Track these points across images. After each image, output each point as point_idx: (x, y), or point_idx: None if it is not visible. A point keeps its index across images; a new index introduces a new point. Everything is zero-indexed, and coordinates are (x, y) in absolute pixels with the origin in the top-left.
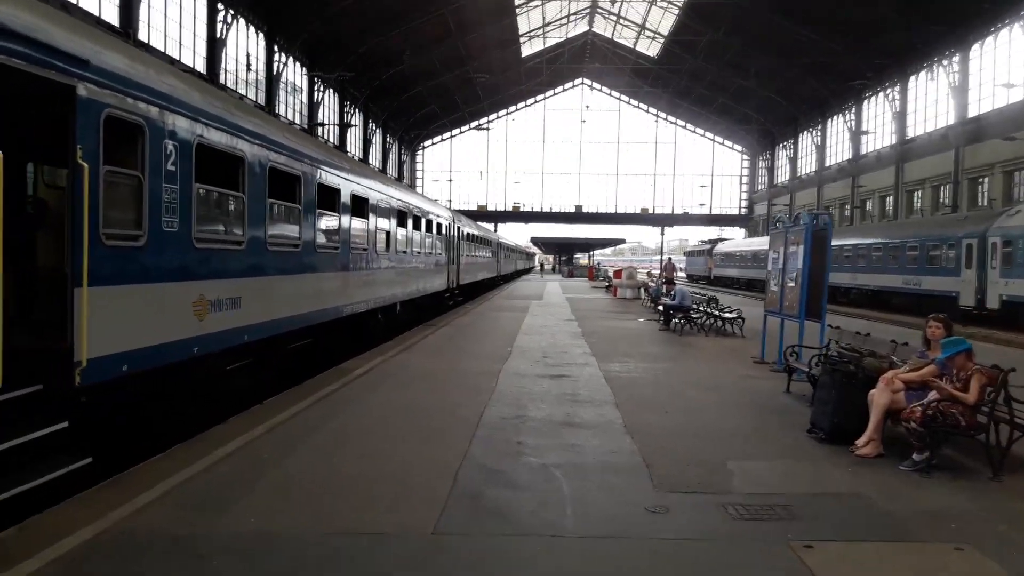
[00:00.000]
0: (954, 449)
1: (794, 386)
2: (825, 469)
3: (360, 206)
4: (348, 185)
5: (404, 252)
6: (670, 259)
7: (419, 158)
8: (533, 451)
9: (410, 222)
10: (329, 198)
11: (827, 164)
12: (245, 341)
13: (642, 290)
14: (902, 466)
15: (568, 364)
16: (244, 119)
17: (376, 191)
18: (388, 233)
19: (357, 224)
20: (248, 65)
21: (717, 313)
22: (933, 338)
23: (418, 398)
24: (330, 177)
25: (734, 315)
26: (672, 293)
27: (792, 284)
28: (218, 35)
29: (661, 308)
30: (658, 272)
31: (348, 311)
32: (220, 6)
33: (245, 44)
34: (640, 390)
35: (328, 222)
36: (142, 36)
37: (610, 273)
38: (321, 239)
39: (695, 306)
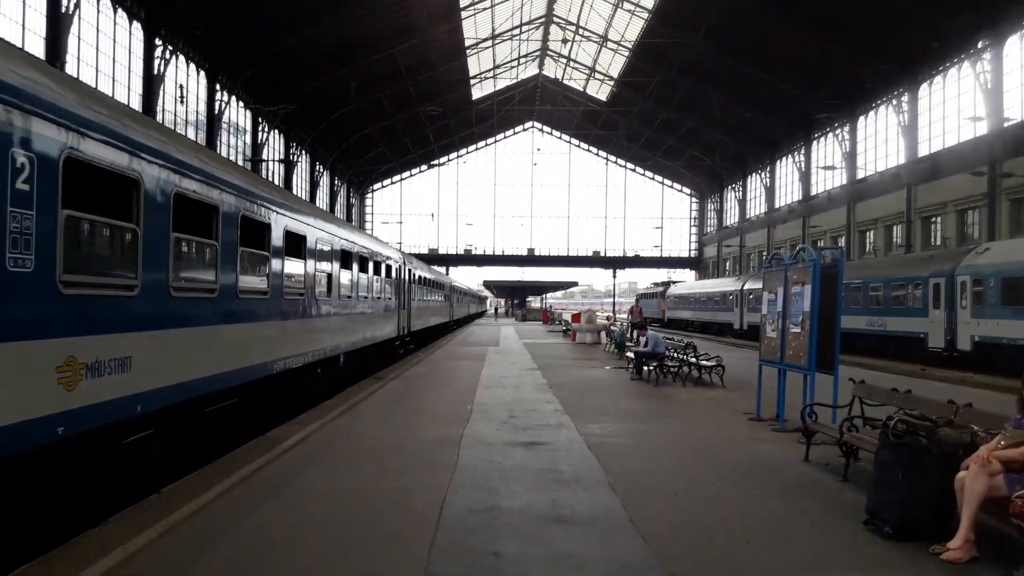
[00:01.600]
0: None
1: (813, 451)
2: None
3: (296, 245)
4: (281, 220)
5: (349, 297)
6: (638, 302)
7: (368, 201)
8: (515, 568)
9: (356, 264)
10: (257, 234)
11: (777, 205)
12: (138, 412)
13: (603, 334)
14: None
15: (540, 426)
16: (138, 131)
17: (316, 228)
18: (330, 276)
19: (292, 266)
20: (182, 98)
21: (695, 361)
22: None
23: (361, 481)
24: (258, 209)
25: (713, 363)
26: (644, 339)
27: (796, 330)
28: (156, 71)
29: (631, 355)
30: (624, 315)
31: (280, 367)
32: (158, 41)
33: (185, 81)
34: (633, 463)
35: (255, 263)
36: (70, 70)
37: (567, 317)
38: (245, 283)
39: (670, 353)
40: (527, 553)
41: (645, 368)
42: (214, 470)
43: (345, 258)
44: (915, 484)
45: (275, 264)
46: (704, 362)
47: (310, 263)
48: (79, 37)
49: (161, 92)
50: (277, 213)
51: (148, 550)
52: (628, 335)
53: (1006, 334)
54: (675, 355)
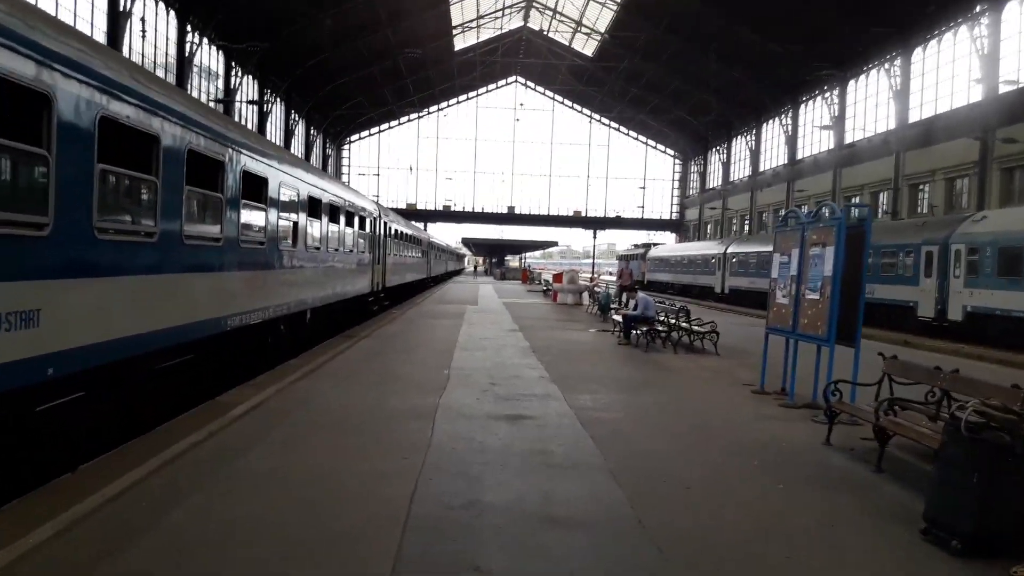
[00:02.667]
0: None
1: (836, 433)
2: None
3: (256, 188)
4: (239, 158)
5: (317, 248)
6: (627, 263)
7: (345, 153)
8: None
9: (326, 214)
10: (208, 174)
11: (762, 169)
12: (50, 376)
13: (585, 296)
14: None
15: (525, 396)
16: (51, 36)
17: (280, 171)
18: (296, 225)
19: (251, 211)
20: (143, 31)
21: (688, 327)
22: None
23: (315, 463)
24: (209, 145)
25: (707, 329)
26: (633, 302)
27: (814, 296)
28: (121, 7)
29: (618, 319)
30: (608, 276)
31: (235, 323)
32: None
33: (154, 21)
34: (634, 443)
35: (206, 206)
36: None
37: (547, 277)
38: (193, 228)
39: (660, 317)
40: (517, 569)
41: (634, 332)
42: (146, 443)
43: (314, 207)
44: (994, 490)
45: (230, 208)
46: (697, 328)
47: (272, 210)
48: None
49: (128, 29)
50: (234, 150)
51: (26, 560)
52: (617, 298)
53: (1000, 305)
54: (666, 319)
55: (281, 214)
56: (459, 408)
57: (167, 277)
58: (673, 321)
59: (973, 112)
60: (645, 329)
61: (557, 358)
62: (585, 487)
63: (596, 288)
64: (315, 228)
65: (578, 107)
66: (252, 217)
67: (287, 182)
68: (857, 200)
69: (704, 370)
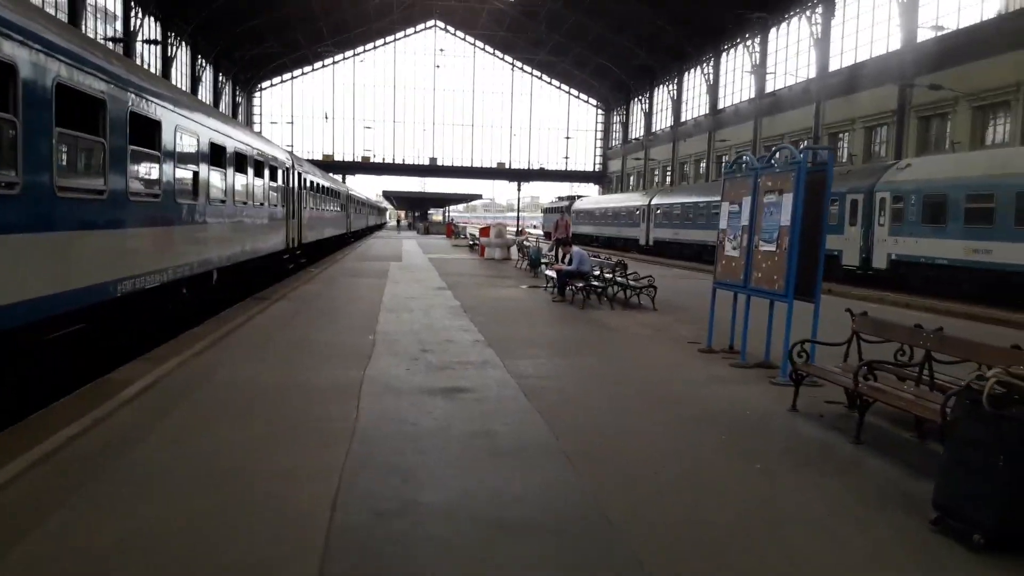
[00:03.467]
0: None
1: (800, 397)
2: None
3: (147, 133)
4: (122, 96)
5: (222, 202)
6: (564, 215)
7: (256, 101)
8: None
9: (232, 164)
10: (86, 114)
11: (683, 119)
12: None
13: (513, 250)
14: None
15: (461, 364)
16: None
17: (176, 113)
18: (196, 175)
19: (141, 159)
20: None
21: (624, 282)
22: None
23: (215, 458)
24: (85, 79)
25: (644, 284)
26: (567, 257)
27: (769, 248)
28: None
29: (551, 274)
30: (535, 230)
31: (127, 288)
32: None
33: None
34: (585, 418)
35: (81, 152)
36: None
37: (473, 231)
38: (68, 180)
39: (596, 272)
40: None
41: (568, 288)
42: (13, 437)
43: (218, 155)
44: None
45: (114, 156)
46: (633, 283)
47: (168, 159)
48: None
49: None
50: (117, 87)
51: None
52: (552, 252)
53: (925, 252)
54: (601, 274)
55: (178, 164)
56: (387, 381)
57: (37, 237)
58: (609, 276)
59: (892, 60)
60: (581, 285)
61: (490, 318)
62: (538, 477)
63: (525, 243)
64: (219, 179)
65: (500, 54)
66: (143, 167)
67: (185, 127)
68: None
69: (644, 327)
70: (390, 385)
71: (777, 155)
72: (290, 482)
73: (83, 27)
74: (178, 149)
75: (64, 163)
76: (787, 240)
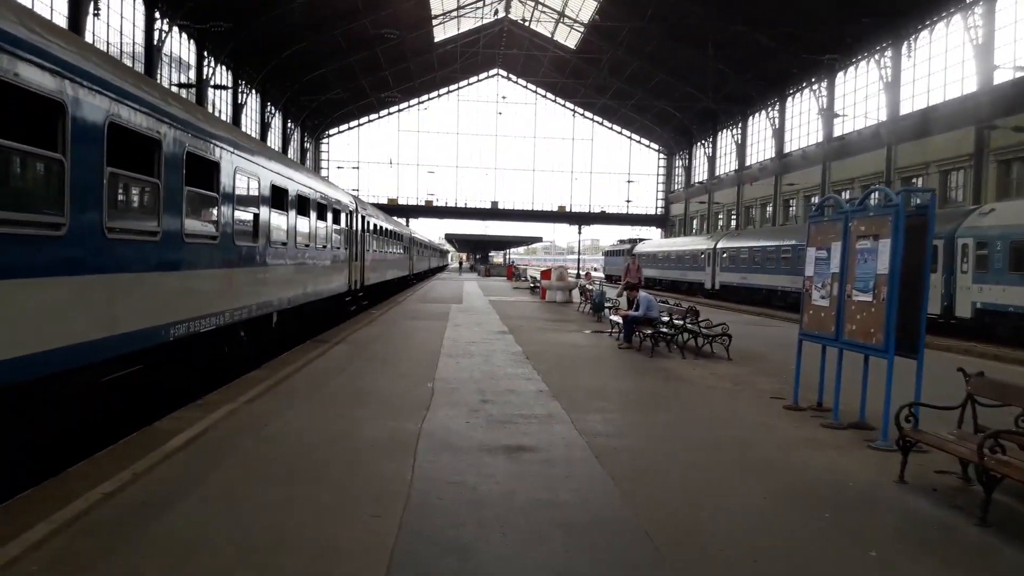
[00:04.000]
0: None
1: (911, 466)
2: None
3: (204, 173)
4: (180, 137)
5: (284, 244)
6: (634, 257)
7: (324, 147)
8: None
9: (294, 206)
10: (140, 152)
11: (748, 163)
12: None
13: (574, 293)
14: None
15: (524, 418)
16: None
17: (236, 154)
18: (256, 217)
19: (197, 201)
20: (95, 9)
21: (697, 329)
22: None
23: (258, 523)
24: (133, 117)
25: (718, 331)
26: (635, 301)
27: (865, 298)
28: None
29: (616, 319)
30: (596, 271)
31: (180, 332)
32: None
33: (119, 6)
34: (665, 485)
35: (134, 192)
36: None
37: (533, 273)
38: (115, 220)
39: (664, 318)
40: None
41: (635, 335)
42: (48, 492)
43: (279, 197)
44: None
45: (169, 196)
46: (707, 330)
47: (226, 200)
48: None
49: (88, 11)
50: (170, 125)
51: None
52: (622, 297)
53: (1013, 301)
54: (670, 321)
55: (237, 206)
56: (445, 436)
57: (85, 280)
58: (680, 323)
59: (968, 103)
60: (649, 332)
61: (554, 366)
62: (616, 562)
63: (589, 285)
64: (280, 221)
65: (561, 100)
66: (200, 208)
67: (245, 168)
68: (847, 194)
69: (720, 379)
70: (448, 441)
71: (872, 198)
72: (334, 562)
73: (158, 75)
74: (237, 191)
75: (115, 203)
76: (885, 290)
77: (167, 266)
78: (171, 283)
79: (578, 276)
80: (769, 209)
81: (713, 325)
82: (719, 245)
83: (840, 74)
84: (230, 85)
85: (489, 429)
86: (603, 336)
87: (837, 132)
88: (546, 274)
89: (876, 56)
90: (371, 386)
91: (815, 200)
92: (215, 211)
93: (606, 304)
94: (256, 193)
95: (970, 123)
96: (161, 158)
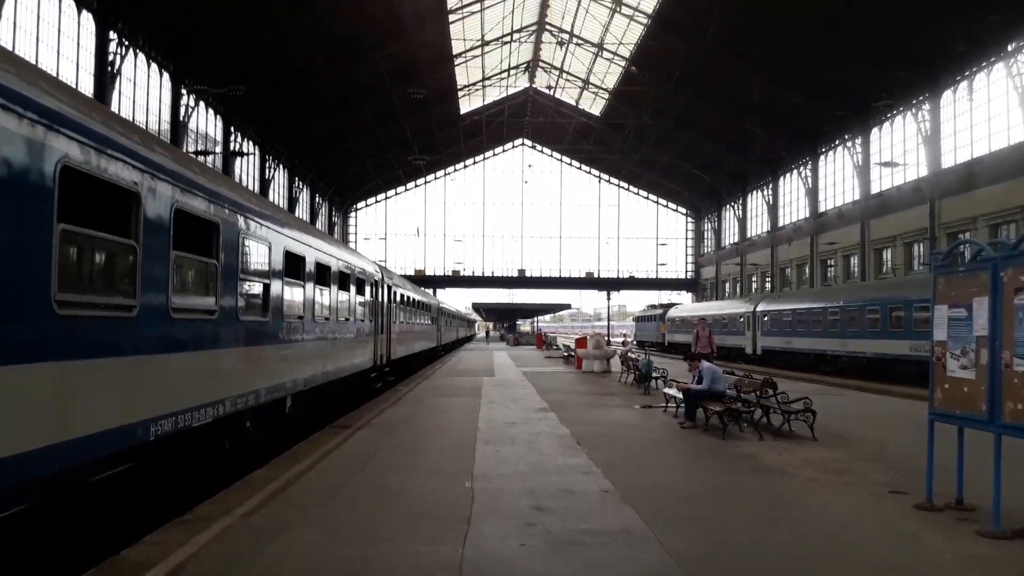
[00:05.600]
0: None
1: None
2: None
3: (199, 237)
4: (171, 195)
5: (299, 318)
6: (707, 326)
7: (352, 220)
8: None
9: (312, 276)
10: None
11: (781, 224)
12: None
13: (613, 362)
14: None
15: (594, 535)
16: None
17: (246, 217)
18: (267, 288)
19: (190, 270)
20: (113, 70)
21: (777, 406)
22: None
23: None
24: (119, 171)
25: (800, 407)
26: (697, 373)
27: None
28: (109, 68)
29: (673, 393)
30: (625, 338)
31: (163, 429)
32: (112, 34)
33: (146, 82)
34: None
35: (107, 265)
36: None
37: (564, 342)
38: (79, 296)
39: (734, 393)
40: None
41: (699, 412)
42: None
43: (295, 266)
44: None
45: (150, 266)
46: (785, 405)
47: (227, 269)
48: (15, 8)
49: (116, 86)
50: (164, 181)
51: None
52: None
53: None
54: (741, 395)
55: (241, 275)
56: (495, 567)
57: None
58: (755, 397)
59: (1016, 153)
60: (720, 409)
61: (613, 454)
62: None
63: (631, 354)
64: (296, 293)
65: (586, 168)
66: (192, 278)
67: (258, 233)
68: (888, 253)
69: (816, 468)
70: None
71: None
72: None
73: (184, 150)
74: (242, 257)
75: (82, 274)
76: None
77: (150, 348)
78: (155, 369)
79: (608, 342)
80: (806, 270)
81: (790, 400)
82: (759, 308)
83: (875, 129)
84: (258, 160)
85: (552, 555)
86: (656, 412)
87: (875, 189)
88: (581, 343)
89: (913, 109)
90: (395, 488)
91: (855, 259)
92: (211, 282)
93: (653, 375)
94: (266, 261)
95: (1020, 174)
96: (139, 218)
